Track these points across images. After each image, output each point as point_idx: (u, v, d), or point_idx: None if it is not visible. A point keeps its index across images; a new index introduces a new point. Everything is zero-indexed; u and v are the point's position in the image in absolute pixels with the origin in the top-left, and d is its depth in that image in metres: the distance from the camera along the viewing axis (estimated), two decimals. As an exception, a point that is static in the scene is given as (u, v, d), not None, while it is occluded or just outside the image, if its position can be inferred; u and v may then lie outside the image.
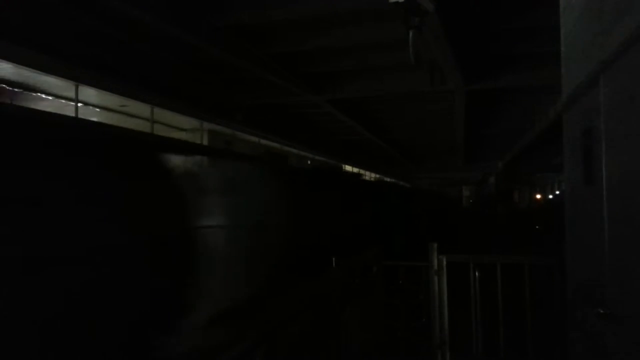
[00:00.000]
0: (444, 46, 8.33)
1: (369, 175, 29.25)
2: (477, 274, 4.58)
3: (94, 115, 11.08)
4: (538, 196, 43.04)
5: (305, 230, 5.44)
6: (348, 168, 25.91)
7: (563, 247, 3.67)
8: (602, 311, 2.46)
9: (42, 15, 7.17)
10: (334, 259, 4.99)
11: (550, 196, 38.32)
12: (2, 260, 2.25)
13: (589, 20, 2.90)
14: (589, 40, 2.88)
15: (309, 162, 21.22)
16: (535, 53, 9.84)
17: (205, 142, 13.73)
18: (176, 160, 3.68)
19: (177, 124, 13.28)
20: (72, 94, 9.39)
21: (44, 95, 9.62)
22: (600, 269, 2.57)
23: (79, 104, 9.67)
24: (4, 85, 8.70)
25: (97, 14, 7.57)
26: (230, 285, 4.18)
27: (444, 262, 4.65)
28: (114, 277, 2.87)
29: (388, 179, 33.52)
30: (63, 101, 9.94)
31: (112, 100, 10.42)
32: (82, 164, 2.82)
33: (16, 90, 8.99)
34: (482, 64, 10.66)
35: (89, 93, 9.62)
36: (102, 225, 2.84)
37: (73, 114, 9.28)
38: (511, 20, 8.62)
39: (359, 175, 18.10)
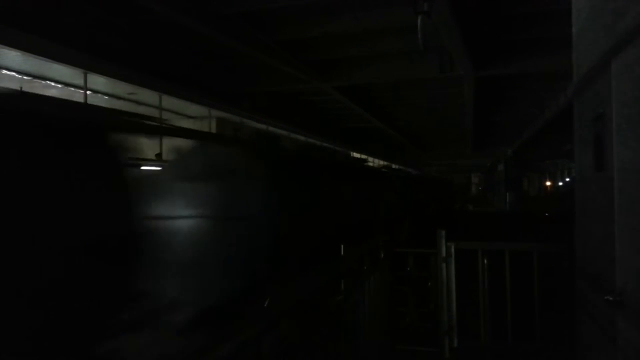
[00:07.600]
0: (453, 32, 8.24)
1: (377, 162, 29.11)
2: (485, 261, 4.57)
3: (102, 103, 11.09)
4: (548, 183, 42.80)
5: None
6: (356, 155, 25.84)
7: (572, 234, 3.65)
8: (611, 298, 2.45)
9: (53, 4, 7.18)
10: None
11: (560, 183, 38.05)
12: None
13: (601, 4, 2.85)
14: (601, 24, 2.84)
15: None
16: (546, 38, 9.70)
17: (213, 129, 13.69)
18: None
19: (186, 112, 13.28)
20: (80, 82, 9.41)
21: (53, 83, 9.65)
22: (610, 256, 2.55)
23: (88, 92, 9.69)
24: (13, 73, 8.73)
25: (107, 3, 7.56)
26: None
27: (452, 249, 4.64)
28: None
29: (396, 166, 33.37)
30: (72, 89, 9.98)
31: (120, 87, 10.43)
32: None
33: (26, 78, 9.02)
34: (492, 49, 10.53)
35: (98, 81, 9.64)
36: None
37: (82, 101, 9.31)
38: (521, 5, 8.49)
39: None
